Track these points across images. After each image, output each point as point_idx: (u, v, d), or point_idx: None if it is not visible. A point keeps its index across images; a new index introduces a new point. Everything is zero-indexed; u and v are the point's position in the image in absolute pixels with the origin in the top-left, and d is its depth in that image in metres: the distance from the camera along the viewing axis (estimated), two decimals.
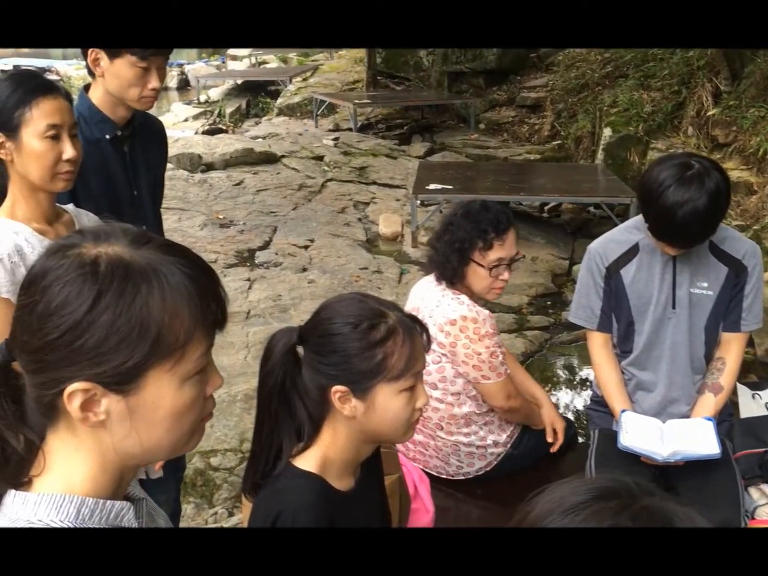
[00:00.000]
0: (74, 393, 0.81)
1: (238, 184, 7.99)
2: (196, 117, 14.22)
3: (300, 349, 1.45)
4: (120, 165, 2.11)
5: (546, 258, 5.79)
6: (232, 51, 23.63)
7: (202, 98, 15.65)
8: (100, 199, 2.03)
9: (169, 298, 0.82)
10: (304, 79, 14.03)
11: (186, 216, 6.80)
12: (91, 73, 2.07)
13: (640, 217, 2.37)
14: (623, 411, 2.35)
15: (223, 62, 21.96)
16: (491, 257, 2.35)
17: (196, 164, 8.49)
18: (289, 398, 1.43)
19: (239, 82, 15.32)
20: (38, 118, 1.67)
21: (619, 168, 6.78)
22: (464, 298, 2.37)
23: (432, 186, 6.13)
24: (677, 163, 2.15)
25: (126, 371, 0.81)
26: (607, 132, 7.11)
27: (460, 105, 10.51)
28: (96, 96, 2.08)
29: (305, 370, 1.43)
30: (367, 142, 9.69)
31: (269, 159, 8.89)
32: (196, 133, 11.80)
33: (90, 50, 2.00)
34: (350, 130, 10.40)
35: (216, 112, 14.36)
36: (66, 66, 25.35)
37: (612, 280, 2.41)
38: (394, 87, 11.86)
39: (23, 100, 1.67)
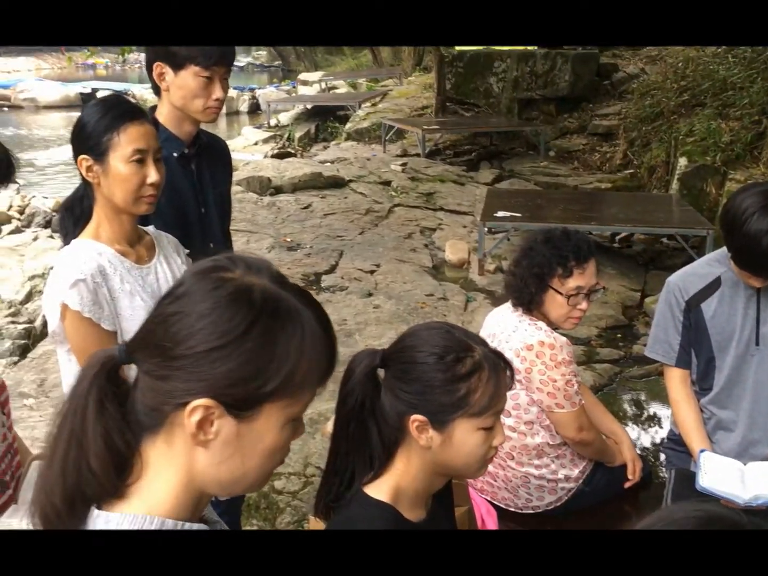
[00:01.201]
0: (197, 408, 0.84)
1: (305, 208, 8.08)
2: (266, 141, 14.52)
3: (381, 372, 1.44)
4: (188, 183, 2.15)
5: (617, 289, 5.65)
6: (302, 76, 24.15)
7: (272, 122, 15.99)
8: (168, 216, 2.07)
9: (307, 342, 0.87)
10: (374, 105, 14.18)
11: (254, 238, 6.91)
12: (157, 92, 2.11)
13: (722, 251, 2.30)
14: (702, 451, 2.26)
15: (294, 87, 22.44)
16: (570, 285, 2.32)
17: (266, 187, 8.64)
18: (366, 422, 1.42)
19: (309, 106, 15.60)
20: (125, 142, 1.71)
21: (695, 199, 6.61)
22: (542, 324, 2.34)
23: (500, 213, 6.08)
24: (762, 190, 2.09)
25: (251, 398, 0.85)
26: (682, 162, 6.95)
27: (530, 132, 10.44)
28: (162, 114, 2.13)
29: (384, 395, 1.41)
30: (434, 168, 9.70)
31: (337, 183, 8.98)
32: (266, 156, 12.03)
33: (155, 64, 2.05)
34: (418, 155, 10.43)
35: (285, 136, 14.64)
36: (142, 89, 26.37)
37: (692, 315, 2.34)
38: (463, 113, 11.87)
39: (112, 125, 1.72)
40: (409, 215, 7.85)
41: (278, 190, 8.67)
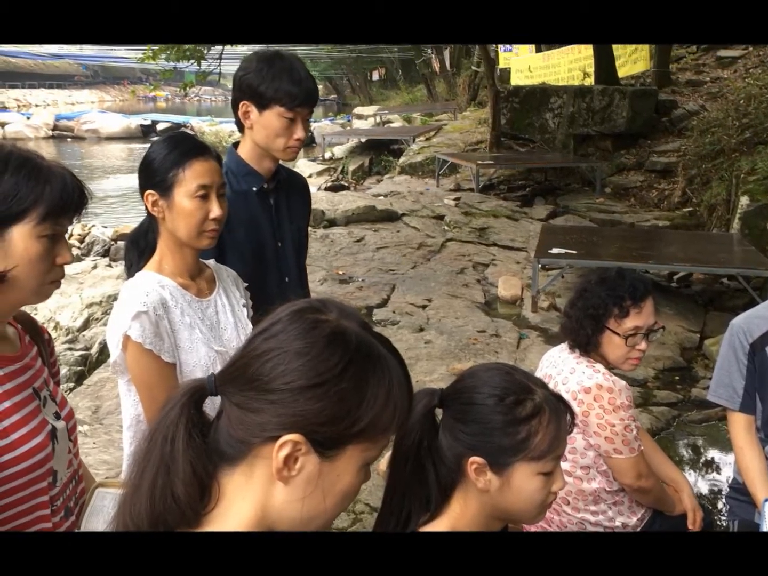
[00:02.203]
0: (287, 443, 0.86)
1: (358, 241, 8.14)
2: (320, 173, 14.73)
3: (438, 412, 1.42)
4: (265, 216, 2.18)
5: (675, 330, 5.52)
6: (357, 110, 24.52)
7: (327, 155, 16.22)
8: (245, 248, 2.10)
9: (394, 389, 0.90)
10: (428, 139, 14.29)
11: (308, 270, 6.96)
12: (240, 128, 2.16)
13: None
14: (766, 500, 2.17)
15: (349, 120, 22.80)
16: (627, 325, 2.27)
17: (319, 220, 8.73)
18: (423, 462, 1.40)
19: (363, 140, 15.79)
20: (190, 178, 1.75)
21: (757, 238, 6.43)
22: (600, 366, 2.30)
23: (555, 250, 6.02)
24: None
25: (338, 437, 0.87)
26: (744, 200, 6.79)
27: (585, 168, 10.37)
28: (244, 150, 2.17)
29: (442, 435, 1.40)
30: (488, 203, 9.69)
31: (390, 217, 9.03)
32: (320, 189, 12.19)
33: (241, 103, 2.09)
34: (472, 190, 10.45)
35: (339, 168, 14.84)
36: (199, 122, 27.16)
37: (756, 358, 2.28)
38: (518, 148, 11.87)
39: (178, 161, 1.75)
40: (461, 250, 7.83)
41: (331, 223, 8.76)
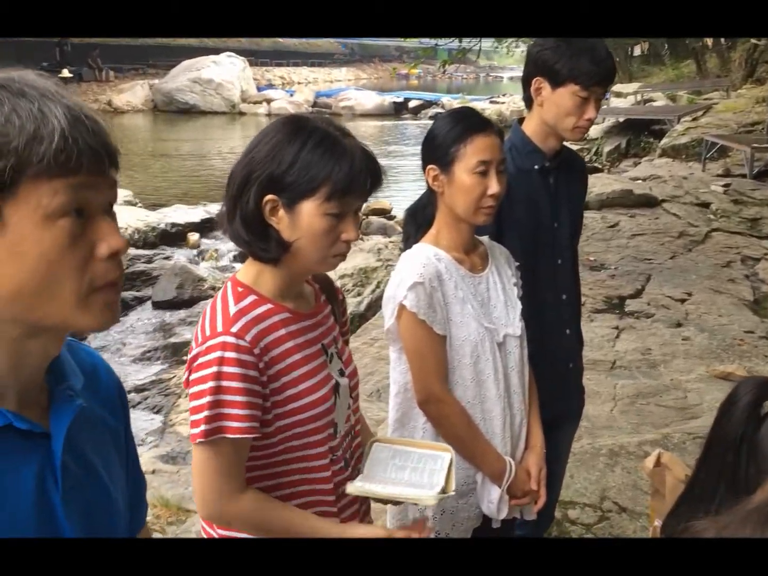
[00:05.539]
0: None
1: (612, 226, 7.78)
2: None
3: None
4: (545, 196, 2.11)
5: None
6: (617, 87, 23.32)
7: None
8: (522, 227, 2.05)
9: None
10: (694, 119, 13.27)
11: None
12: (528, 104, 2.11)
13: None
14: None
15: (606, 98, 21.75)
16: None
17: None
18: (739, 460, 1.23)
19: (621, 119, 15.03)
20: (471, 154, 1.73)
21: None
22: None
23: None
24: None
25: None
26: None
27: None
28: (530, 127, 2.11)
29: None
30: (763, 191, 8.78)
31: (648, 202, 8.53)
32: None
33: (535, 79, 2.04)
34: (744, 176, 9.55)
35: (593, 149, 14.26)
36: (450, 99, 27.53)
37: None
38: None
39: (460, 136, 1.74)
40: (729, 242, 7.21)
41: (584, 206, 8.43)
